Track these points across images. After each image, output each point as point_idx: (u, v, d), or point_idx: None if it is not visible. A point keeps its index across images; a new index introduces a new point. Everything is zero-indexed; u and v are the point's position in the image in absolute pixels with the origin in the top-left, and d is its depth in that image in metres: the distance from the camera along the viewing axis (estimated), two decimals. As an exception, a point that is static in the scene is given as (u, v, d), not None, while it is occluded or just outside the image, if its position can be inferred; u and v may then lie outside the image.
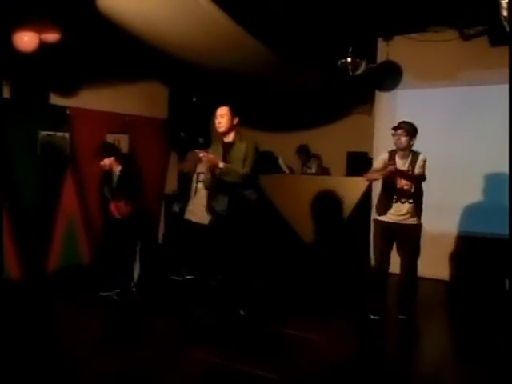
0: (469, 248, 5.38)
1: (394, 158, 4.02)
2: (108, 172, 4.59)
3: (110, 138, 6.07)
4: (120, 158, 4.63)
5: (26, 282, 5.06)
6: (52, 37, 4.16)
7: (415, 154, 4.03)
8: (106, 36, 4.41)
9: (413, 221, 4.02)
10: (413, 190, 3.95)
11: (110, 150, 4.66)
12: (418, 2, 4.50)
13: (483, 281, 5.19)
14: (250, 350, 3.48)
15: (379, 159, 4.18)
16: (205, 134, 6.91)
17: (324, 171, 6.70)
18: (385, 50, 5.75)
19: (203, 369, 3.18)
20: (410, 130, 3.95)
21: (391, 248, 4.14)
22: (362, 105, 6.49)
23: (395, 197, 4.00)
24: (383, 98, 5.92)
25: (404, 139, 3.94)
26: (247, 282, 4.05)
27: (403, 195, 3.96)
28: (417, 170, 3.96)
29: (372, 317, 4.12)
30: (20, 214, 5.14)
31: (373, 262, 4.47)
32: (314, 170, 6.59)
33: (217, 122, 3.90)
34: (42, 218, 5.40)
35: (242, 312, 4.01)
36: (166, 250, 6.55)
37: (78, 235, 5.77)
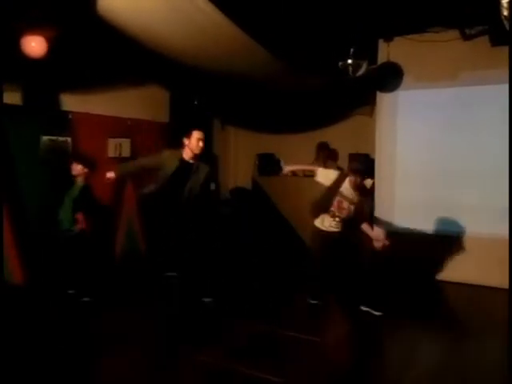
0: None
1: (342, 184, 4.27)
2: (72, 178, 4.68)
3: (111, 141, 6.10)
4: (89, 168, 4.70)
5: (29, 286, 5.06)
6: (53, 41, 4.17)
7: (367, 193, 4.43)
8: (107, 41, 4.42)
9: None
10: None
11: (85, 159, 4.73)
12: (418, 3, 4.49)
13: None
14: (254, 353, 3.47)
15: (328, 179, 4.36)
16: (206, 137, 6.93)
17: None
18: (386, 51, 5.75)
19: (207, 372, 3.17)
20: (366, 171, 4.32)
21: None
22: (363, 106, 6.49)
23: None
24: (384, 99, 5.91)
25: (359, 180, 4.19)
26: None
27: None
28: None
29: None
30: (23, 219, 5.15)
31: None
32: None
33: (199, 144, 4.20)
34: (45, 222, 5.40)
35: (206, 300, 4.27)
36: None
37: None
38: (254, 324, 3.98)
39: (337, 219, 4.31)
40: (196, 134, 4.21)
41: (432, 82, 5.54)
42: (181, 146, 4.27)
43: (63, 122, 5.57)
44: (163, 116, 6.88)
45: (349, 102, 6.45)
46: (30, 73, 4.75)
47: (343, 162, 6.64)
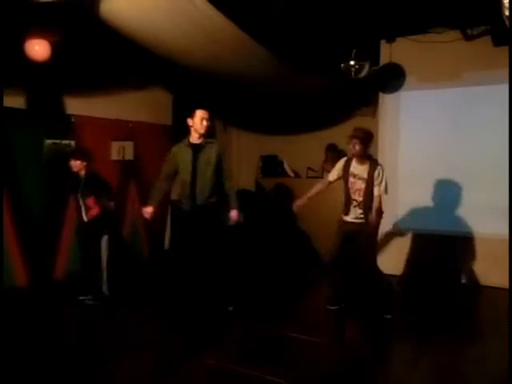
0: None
1: (350, 164, 4.24)
2: (75, 174, 4.73)
3: (115, 144, 6.12)
4: (86, 160, 4.74)
5: (33, 289, 5.08)
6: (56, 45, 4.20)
7: (373, 162, 4.21)
8: (109, 43, 4.44)
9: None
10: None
11: (82, 153, 4.80)
12: (420, 4, 4.50)
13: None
14: (256, 354, 3.48)
15: (335, 170, 4.37)
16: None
17: None
18: (388, 52, 5.76)
19: (209, 373, 3.17)
20: (365, 138, 4.13)
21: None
22: (365, 107, 6.49)
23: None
24: (387, 100, 5.92)
25: (358, 147, 4.12)
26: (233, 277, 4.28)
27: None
28: (376, 181, 4.12)
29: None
30: (26, 222, 5.17)
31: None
32: None
33: (203, 123, 4.07)
34: (49, 225, 5.43)
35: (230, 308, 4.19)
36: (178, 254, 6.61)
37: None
38: (265, 326, 3.99)
39: (360, 208, 4.18)
40: (199, 113, 4.06)
41: (434, 82, 5.54)
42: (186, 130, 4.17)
43: (66, 125, 5.59)
44: (166, 119, 6.89)
45: (351, 103, 6.44)
46: (33, 76, 4.77)
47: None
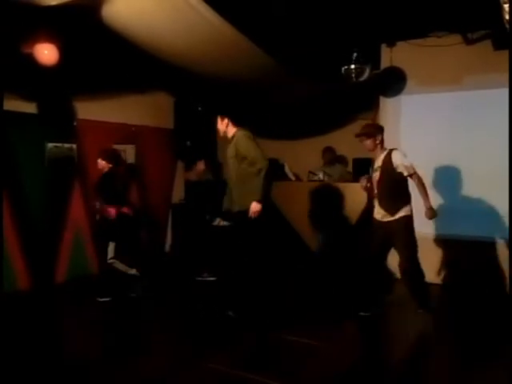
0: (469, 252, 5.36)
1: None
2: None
3: (117, 148, 6.14)
4: (112, 163, 4.87)
5: (35, 292, 5.09)
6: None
7: (388, 150, 4.16)
8: (111, 48, 4.46)
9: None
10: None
11: (109, 155, 4.92)
12: (420, 8, 4.51)
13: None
14: (257, 358, 3.47)
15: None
16: (211, 143, 6.97)
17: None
18: (388, 56, 5.77)
19: (211, 378, 3.16)
20: (371, 131, 4.14)
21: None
22: (366, 111, 6.50)
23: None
24: (387, 104, 5.92)
25: (368, 142, 4.13)
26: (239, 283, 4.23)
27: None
28: (398, 167, 4.06)
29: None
30: (28, 225, 5.18)
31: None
32: (336, 177, 6.39)
33: (224, 121, 4.37)
34: (50, 228, 5.44)
35: (230, 313, 4.18)
36: (177, 257, 6.63)
37: (85, 245, 5.80)
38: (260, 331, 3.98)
39: (381, 204, 4.10)
40: (219, 118, 4.38)
41: (435, 86, 5.55)
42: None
43: (68, 128, 5.61)
44: (167, 122, 6.92)
45: (352, 107, 6.46)
46: (37, 80, 4.80)
47: (348, 168, 6.65)
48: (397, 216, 4.06)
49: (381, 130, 4.22)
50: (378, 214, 4.18)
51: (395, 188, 4.09)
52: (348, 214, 5.92)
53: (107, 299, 4.71)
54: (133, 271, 4.85)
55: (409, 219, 4.08)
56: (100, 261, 5.16)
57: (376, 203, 4.20)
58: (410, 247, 4.09)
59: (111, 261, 4.78)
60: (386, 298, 4.64)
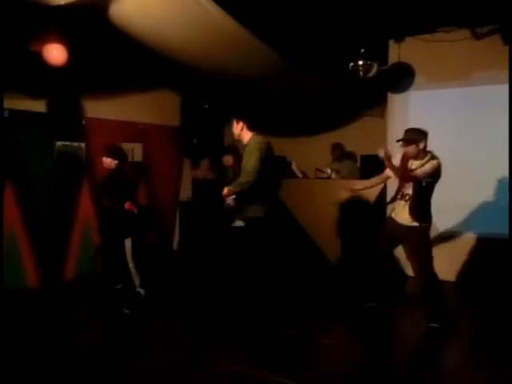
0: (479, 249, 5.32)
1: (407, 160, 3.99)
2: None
3: (124, 146, 6.15)
4: (117, 159, 4.72)
5: (44, 290, 5.13)
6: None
7: (430, 158, 3.92)
8: (118, 47, 4.48)
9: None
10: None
11: (113, 151, 4.79)
12: (428, 3, 4.48)
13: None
14: (268, 356, 3.46)
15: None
16: (217, 141, 6.98)
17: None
18: (396, 52, 5.73)
19: (221, 375, 3.17)
20: (412, 137, 3.88)
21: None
22: (374, 107, 6.47)
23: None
24: (395, 100, 5.89)
25: (410, 149, 3.89)
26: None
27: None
28: (419, 170, 3.85)
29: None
30: (37, 223, 5.22)
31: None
32: (345, 173, 6.36)
33: (239, 124, 4.30)
34: (59, 226, 5.48)
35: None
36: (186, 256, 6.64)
37: (94, 243, 5.83)
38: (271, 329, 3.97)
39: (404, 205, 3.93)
40: (234, 121, 4.31)
41: (443, 81, 5.51)
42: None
43: (77, 127, 5.65)
44: (174, 120, 6.93)
45: (360, 103, 6.43)
46: (46, 80, 4.83)
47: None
48: (423, 224, 3.94)
49: (424, 134, 3.91)
50: (401, 218, 4.01)
51: (428, 197, 3.96)
52: (356, 212, 5.89)
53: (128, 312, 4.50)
54: (142, 291, 4.67)
55: (429, 229, 4.05)
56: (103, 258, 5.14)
57: (400, 206, 4.03)
58: (429, 256, 3.98)
59: (133, 270, 4.66)
60: (396, 295, 4.62)
